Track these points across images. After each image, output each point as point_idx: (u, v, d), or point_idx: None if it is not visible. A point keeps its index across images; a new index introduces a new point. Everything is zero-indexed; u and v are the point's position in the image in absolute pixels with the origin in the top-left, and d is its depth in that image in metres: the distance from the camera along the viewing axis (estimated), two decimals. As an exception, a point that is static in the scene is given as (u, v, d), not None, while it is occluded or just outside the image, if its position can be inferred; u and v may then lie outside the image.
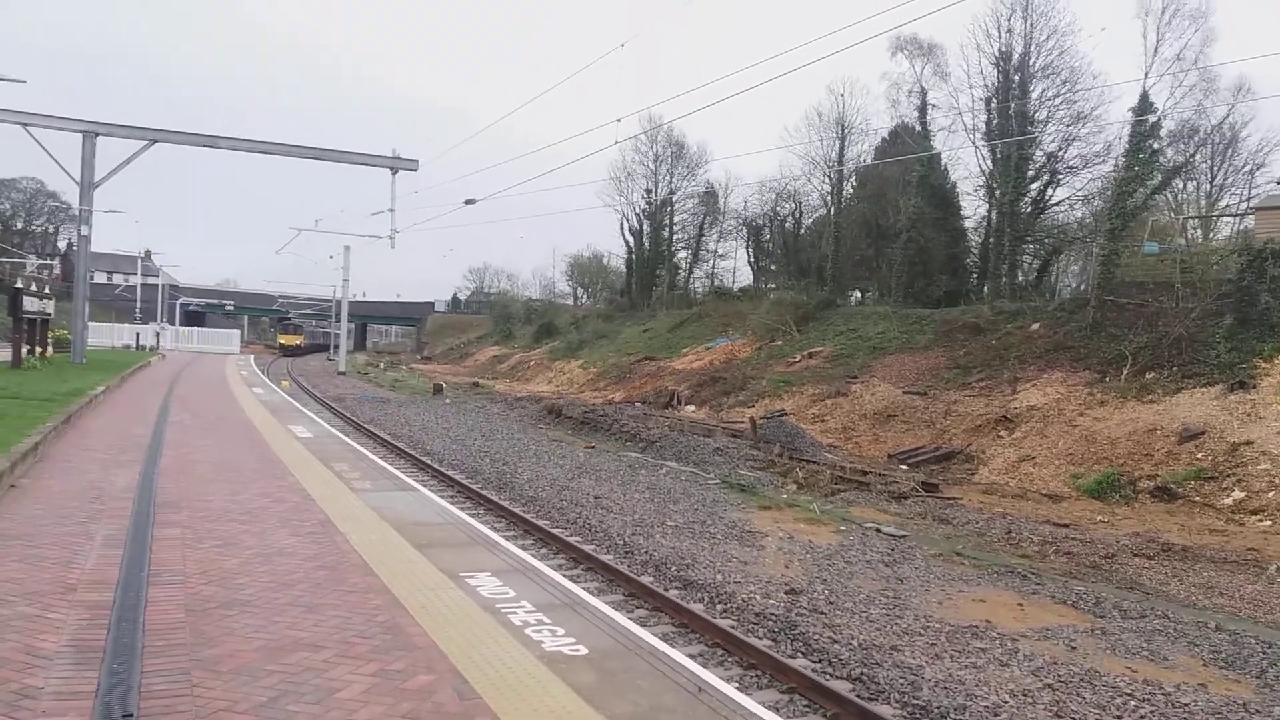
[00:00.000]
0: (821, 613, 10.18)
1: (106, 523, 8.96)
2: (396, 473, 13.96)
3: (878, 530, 15.11)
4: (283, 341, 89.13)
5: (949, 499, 18.97)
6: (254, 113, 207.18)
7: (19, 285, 29.63)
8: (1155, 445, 20.81)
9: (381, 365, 72.97)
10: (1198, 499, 18.31)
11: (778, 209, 62.14)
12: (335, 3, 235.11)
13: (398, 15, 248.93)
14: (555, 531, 13.34)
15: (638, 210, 70.80)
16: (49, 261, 73.85)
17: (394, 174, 36.73)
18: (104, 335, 61.54)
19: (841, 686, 7.99)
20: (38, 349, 30.72)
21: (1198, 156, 43.00)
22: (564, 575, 9.16)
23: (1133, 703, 8.00)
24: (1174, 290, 28.49)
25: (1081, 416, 23.71)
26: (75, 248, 39.10)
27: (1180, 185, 44.35)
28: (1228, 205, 45.32)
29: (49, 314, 32.32)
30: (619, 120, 23.67)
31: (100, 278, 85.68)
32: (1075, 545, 14.65)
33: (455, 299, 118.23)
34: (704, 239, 70.72)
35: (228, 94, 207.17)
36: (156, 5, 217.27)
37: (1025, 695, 8.05)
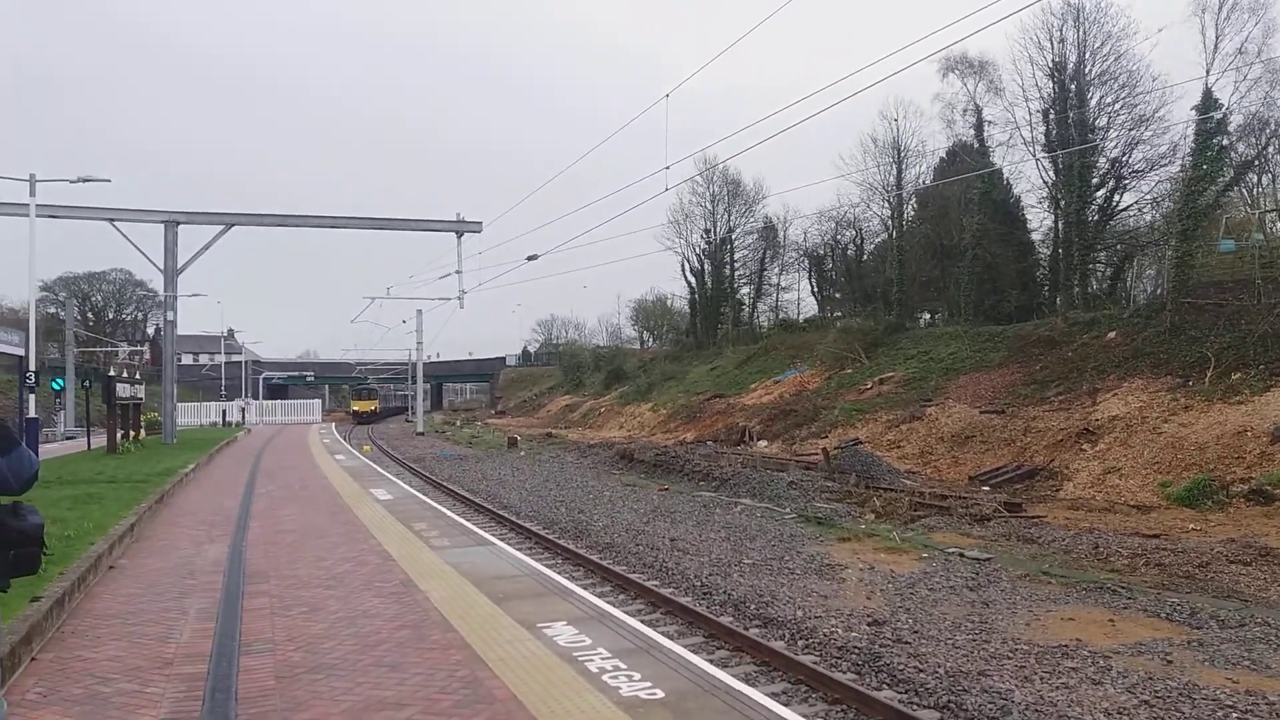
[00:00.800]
0: (906, 642, 10.05)
1: (199, 597, 9.30)
2: (474, 528, 14.19)
3: (961, 555, 14.85)
4: (356, 408, 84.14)
5: (1033, 518, 18.56)
6: (326, 188, 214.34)
7: (111, 373, 31.00)
8: (1246, 447, 20.11)
9: (458, 423, 74.15)
10: (1296, 500, 17.62)
11: (838, 237, 61.97)
12: (379, 73, 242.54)
13: (456, 82, 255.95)
14: (631, 576, 13.40)
15: (698, 250, 71.26)
16: (139, 347, 77.10)
17: (459, 237, 37.58)
18: (192, 414, 63.69)
19: (929, 716, 7.89)
20: (131, 432, 31.99)
21: (1270, 148, 41.76)
22: (641, 620, 9.23)
23: (1235, 715, 7.74)
24: (1255, 287, 27.65)
25: (1166, 423, 23.04)
26: (162, 333, 40.74)
27: (1254, 179, 43.09)
28: (1307, 194, 43.77)
29: (140, 398, 33.70)
30: (668, 168, 23.90)
31: (187, 359, 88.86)
32: (1167, 556, 14.21)
33: (525, 352, 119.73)
34: (766, 273, 70.75)
35: (301, 177, 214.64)
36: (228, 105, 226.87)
37: (1120, 713, 7.84)
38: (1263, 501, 17.99)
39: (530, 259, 37.93)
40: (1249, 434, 20.48)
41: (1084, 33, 38.11)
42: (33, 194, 27.59)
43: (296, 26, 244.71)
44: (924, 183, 51.98)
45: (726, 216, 69.75)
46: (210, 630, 7.93)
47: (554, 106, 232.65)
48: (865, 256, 59.61)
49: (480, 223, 37.56)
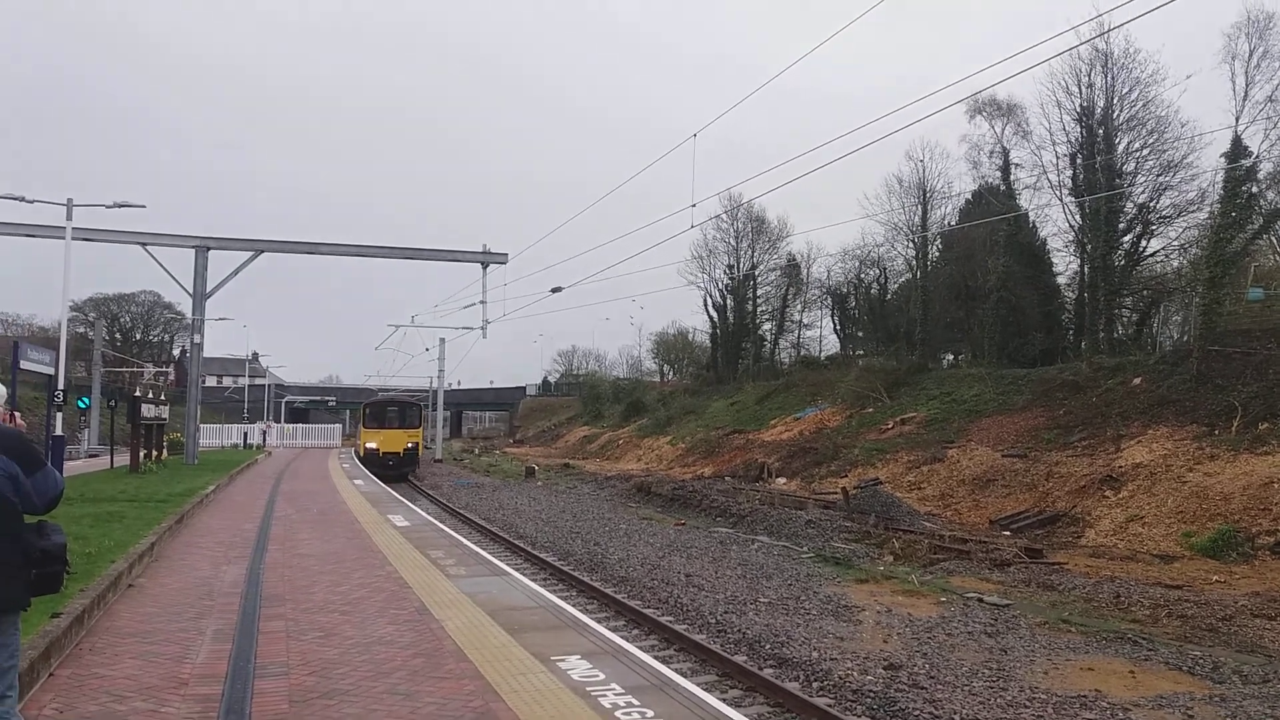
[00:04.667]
0: (922, 688, 9.94)
1: (216, 618, 9.34)
2: (490, 557, 14.19)
3: (980, 600, 14.70)
4: (373, 445, 42.33)
5: (1054, 564, 18.34)
6: (357, 209, 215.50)
7: (137, 394, 31.31)
8: (1273, 499, 19.81)
9: (476, 451, 74.19)
10: (1323, 554, 17.34)
11: (862, 276, 61.90)
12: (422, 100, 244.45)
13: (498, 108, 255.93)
14: (646, 612, 13.35)
15: (720, 285, 71.38)
16: (165, 369, 77.60)
17: (485, 268, 37.91)
18: (214, 435, 64.03)
19: (942, 763, 7.80)
20: (153, 452, 32.25)
21: (1301, 197, 41.47)
22: (654, 656, 9.19)
23: (1256, 775, 7.60)
24: (1283, 336, 27.37)
25: (1191, 472, 22.76)
26: (188, 354, 41.17)
27: (1284, 228, 42.76)
28: (1338, 243, 43.43)
29: (164, 419, 34.00)
30: (694, 205, 24.03)
31: (211, 381, 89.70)
32: (1189, 607, 14.00)
33: (545, 382, 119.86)
34: (788, 310, 70.71)
35: (335, 197, 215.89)
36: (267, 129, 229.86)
37: (1138, 769, 7.72)
38: (1289, 555, 17.72)
39: (554, 291, 38.08)
40: (1276, 485, 20.19)
41: (1112, 78, 38.13)
42: (69, 218, 28.05)
43: (320, 34, 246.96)
44: (949, 224, 51.92)
45: (750, 253, 69.93)
46: (226, 652, 7.96)
47: (602, 120, 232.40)
48: (889, 296, 59.50)
49: (506, 255, 37.87)
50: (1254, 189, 33.30)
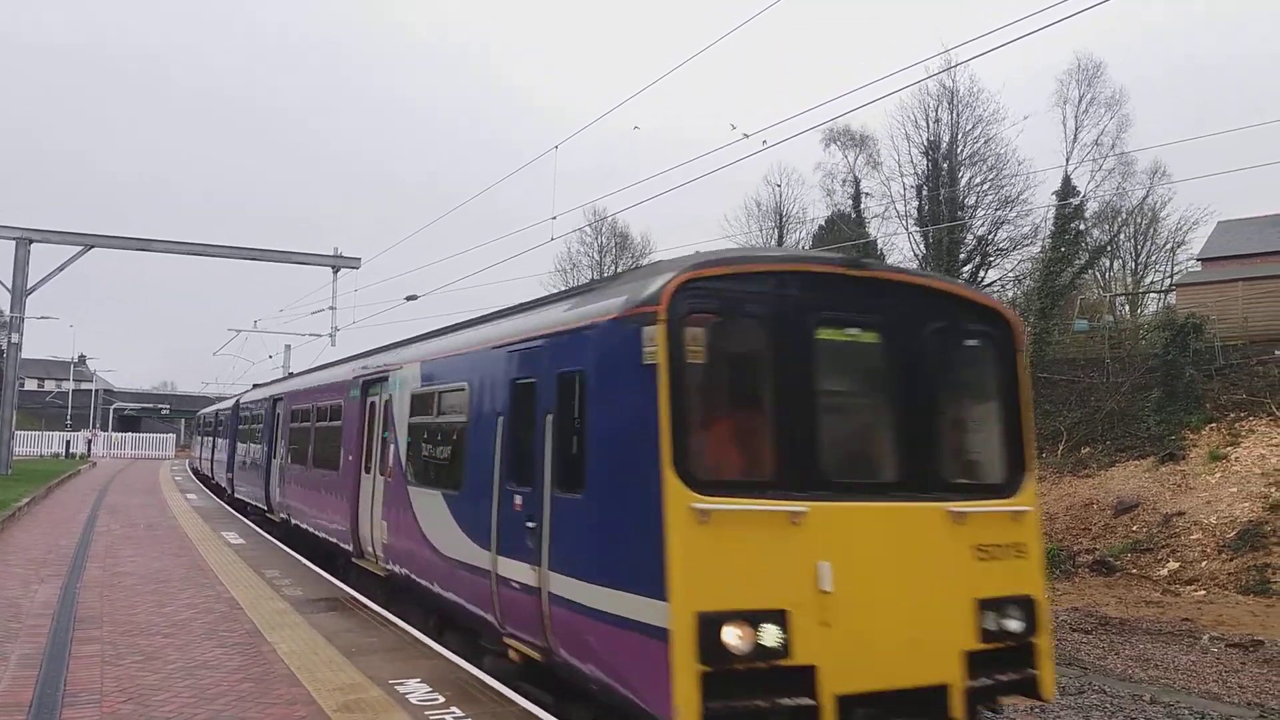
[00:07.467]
0: None
1: (23, 641, 8.63)
2: (329, 577, 13.61)
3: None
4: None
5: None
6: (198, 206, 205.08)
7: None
8: (1092, 519, 21.18)
9: (324, 464, 71.54)
10: (1134, 571, 18.61)
11: (720, 297, 62.87)
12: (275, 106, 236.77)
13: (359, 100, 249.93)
14: (496, 631, 13.05)
15: (582, 301, 71.26)
16: (-23, 369, 71.92)
17: (335, 272, 36.67)
18: (32, 443, 59.87)
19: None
20: (-39, 460, 29.74)
21: (1121, 236, 44.78)
22: (503, 682, 8.96)
23: (1074, 782, 7.99)
24: (1104, 366, 29.32)
25: (1020, 493, 24.04)
26: (5, 354, 38.21)
27: (1106, 264, 46.06)
28: (1152, 282, 47.13)
29: (-26, 424, 31.38)
30: (554, 218, 23.89)
31: (30, 384, 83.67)
32: (1017, 623, 14.74)
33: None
34: (649, 328, 71.21)
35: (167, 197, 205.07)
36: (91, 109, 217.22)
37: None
38: (1104, 572, 18.94)
39: (409, 299, 37.22)
40: (1094, 506, 21.59)
41: (957, 115, 40.33)
42: None
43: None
44: (803, 249, 53.48)
45: (614, 268, 70.19)
46: (32, 678, 7.39)
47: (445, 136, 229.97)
48: (744, 317, 60.63)
49: (359, 259, 36.79)
50: (1081, 226, 35.76)
